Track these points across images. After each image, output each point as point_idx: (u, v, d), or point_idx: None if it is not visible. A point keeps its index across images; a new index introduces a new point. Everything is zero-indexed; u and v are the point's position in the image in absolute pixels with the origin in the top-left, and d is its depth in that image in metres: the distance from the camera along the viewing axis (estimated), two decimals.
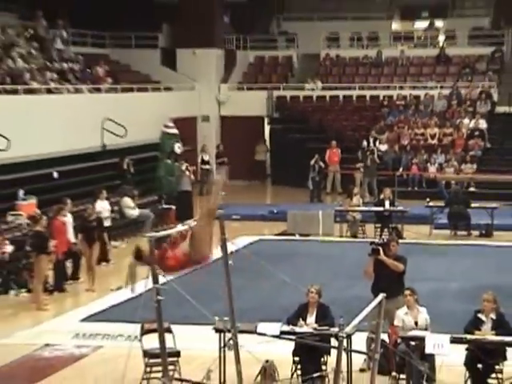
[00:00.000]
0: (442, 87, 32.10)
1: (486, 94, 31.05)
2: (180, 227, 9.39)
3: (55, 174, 22.29)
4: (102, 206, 19.75)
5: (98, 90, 27.06)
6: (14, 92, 22.69)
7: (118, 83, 28.45)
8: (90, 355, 12.97)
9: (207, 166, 30.27)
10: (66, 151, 23.15)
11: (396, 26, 37.27)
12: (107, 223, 19.60)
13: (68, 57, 27.92)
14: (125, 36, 32.62)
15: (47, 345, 13.36)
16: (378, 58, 34.34)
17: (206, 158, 30.45)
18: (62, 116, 23.49)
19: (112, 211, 20.38)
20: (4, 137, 19.96)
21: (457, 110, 30.73)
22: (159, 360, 9.73)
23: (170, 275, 9.11)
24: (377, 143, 29.29)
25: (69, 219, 17.60)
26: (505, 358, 11.04)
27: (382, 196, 22.71)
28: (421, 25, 37.23)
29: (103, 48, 32.34)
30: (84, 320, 14.66)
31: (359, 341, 11.27)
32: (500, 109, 30.89)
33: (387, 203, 22.04)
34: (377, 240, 16.42)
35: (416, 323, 11.47)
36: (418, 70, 34.11)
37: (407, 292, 11.67)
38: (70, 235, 17.49)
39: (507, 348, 11.04)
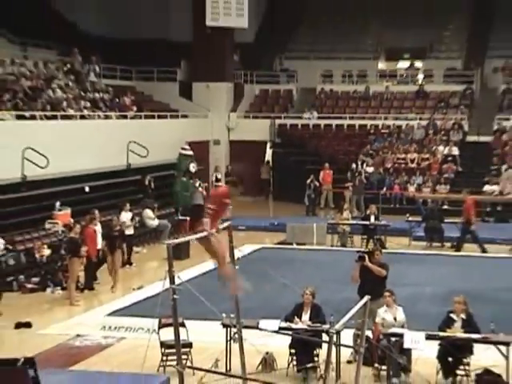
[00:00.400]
0: (420, 118, 32.08)
1: (458, 125, 31.06)
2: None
3: (87, 189, 22.28)
4: (126, 217, 19.77)
5: (125, 117, 27.08)
6: (54, 118, 22.72)
7: (141, 111, 28.49)
8: (115, 345, 12.98)
9: (219, 183, 30.22)
10: (96, 169, 23.15)
11: (382, 65, 37.27)
12: (130, 231, 19.60)
13: (99, 88, 27.95)
14: (148, 71, 32.68)
15: (78, 335, 13.39)
16: (366, 92, 34.35)
17: (219, 176, 30.42)
18: (93, 139, 23.51)
19: (132, 219, 20.17)
20: (44, 156, 20.00)
21: (433, 138, 30.70)
22: (174, 350, 9.71)
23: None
24: (364, 166, 29.26)
25: (98, 228, 17.62)
26: (472, 353, 11.05)
27: (368, 211, 22.64)
28: (403, 65, 37.24)
29: (130, 81, 32.37)
30: (110, 315, 14.67)
31: (347, 336, 11.27)
32: (470, 138, 30.85)
33: (372, 218, 22.01)
34: (363, 249, 16.47)
35: (395, 319, 11.48)
36: (400, 104, 34.08)
37: (386, 293, 11.69)
38: (99, 241, 17.54)
39: (474, 344, 11.05)
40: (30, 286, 16.80)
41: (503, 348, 10.81)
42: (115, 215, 18.83)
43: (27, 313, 14.81)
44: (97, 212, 17.99)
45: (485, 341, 10.96)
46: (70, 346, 12.88)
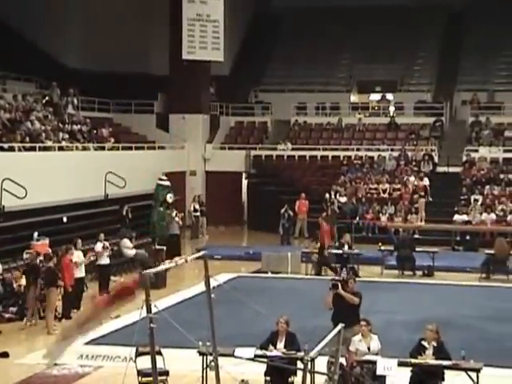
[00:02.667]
0: (392, 150, 32.32)
1: (429, 156, 31.34)
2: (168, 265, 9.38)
3: (65, 219, 22.22)
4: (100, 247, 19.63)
5: (103, 148, 27.07)
6: (32, 149, 22.70)
7: (119, 142, 28.48)
8: (92, 374, 12.88)
9: (197, 213, 30.29)
10: (74, 199, 23.09)
11: (354, 97, 37.56)
12: (105, 261, 19.42)
13: (78, 120, 27.96)
14: (126, 103, 32.75)
15: (55, 364, 13.19)
16: (339, 124, 34.59)
17: (197, 206, 30.45)
18: (71, 170, 23.49)
19: (103, 247, 19.88)
20: (22, 187, 19.92)
21: (404, 169, 30.93)
22: (151, 378, 9.67)
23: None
24: (337, 196, 29.38)
25: (80, 257, 17.61)
26: (443, 379, 11.09)
27: (342, 240, 22.73)
28: (374, 97, 37.54)
29: (108, 113, 32.39)
30: (87, 343, 14.48)
31: (321, 363, 11.27)
32: (440, 169, 31.13)
33: (346, 247, 22.08)
34: (337, 277, 16.52)
35: (369, 348, 11.50)
36: (372, 135, 34.33)
37: (363, 323, 11.71)
38: (82, 270, 17.56)
39: (445, 370, 11.09)
40: (7, 315, 16.62)
41: (473, 374, 10.87)
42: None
43: (4, 343, 14.66)
44: (80, 241, 18.03)
45: (455, 367, 11.00)
46: (47, 375, 12.75)
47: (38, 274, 16.70)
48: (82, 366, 13.19)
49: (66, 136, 25.68)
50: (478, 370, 10.88)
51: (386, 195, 29.74)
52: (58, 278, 15.93)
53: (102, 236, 19.70)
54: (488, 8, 37.14)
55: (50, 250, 18.38)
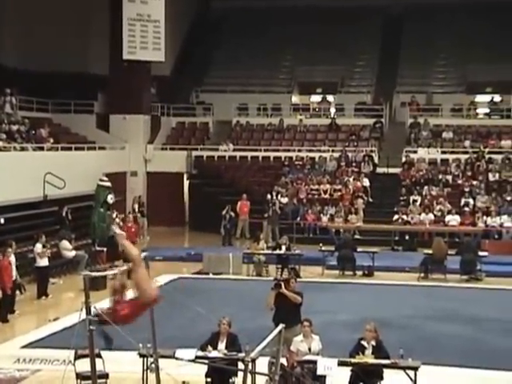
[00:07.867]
0: (333, 151, 32.56)
1: (369, 157, 31.67)
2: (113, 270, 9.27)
3: (2, 220, 21.86)
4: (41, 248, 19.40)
5: (42, 149, 26.68)
6: None
7: (58, 143, 28.09)
8: (30, 378, 12.67)
9: (138, 214, 30.08)
10: (12, 200, 22.72)
11: (295, 99, 37.77)
12: (44, 263, 19.21)
13: (16, 120, 27.51)
14: (65, 103, 32.34)
15: None
16: (280, 125, 34.73)
17: (136, 207, 30.22)
18: (9, 170, 23.10)
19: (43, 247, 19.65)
20: None
21: (345, 169, 31.18)
22: (90, 382, 9.57)
23: (126, 324, 8.78)
24: (279, 196, 29.48)
25: (13, 259, 17.30)
26: (382, 378, 11.22)
27: (279, 241, 22.81)
28: (315, 99, 37.81)
29: (47, 113, 31.93)
30: (24, 347, 14.32)
31: (262, 364, 11.29)
32: (380, 170, 31.49)
33: (284, 248, 22.14)
34: (279, 277, 16.60)
35: (309, 349, 11.57)
36: (313, 136, 34.55)
37: (306, 323, 11.77)
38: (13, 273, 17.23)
39: (384, 369, 11.22)
40: None
41: (411, 373, 11.03)
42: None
43: None
44: (13, 243, 17.70)
45: (394, 366, 11.14)
46: None
47: None
48: (19, 370, 12.97)
49: (4, 136, 25.25)
50: (415, 369, 11.04)
51: (326, 196, 29.94)
52: None
53: (43, 237, 19.47)
54: (425, 11, 37.76)
55: None
